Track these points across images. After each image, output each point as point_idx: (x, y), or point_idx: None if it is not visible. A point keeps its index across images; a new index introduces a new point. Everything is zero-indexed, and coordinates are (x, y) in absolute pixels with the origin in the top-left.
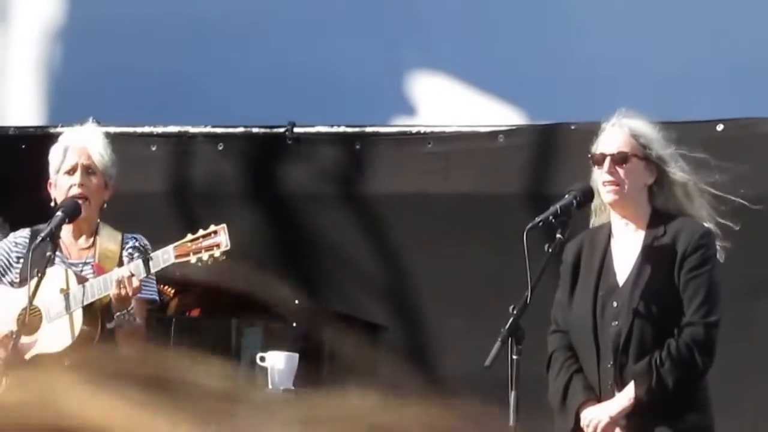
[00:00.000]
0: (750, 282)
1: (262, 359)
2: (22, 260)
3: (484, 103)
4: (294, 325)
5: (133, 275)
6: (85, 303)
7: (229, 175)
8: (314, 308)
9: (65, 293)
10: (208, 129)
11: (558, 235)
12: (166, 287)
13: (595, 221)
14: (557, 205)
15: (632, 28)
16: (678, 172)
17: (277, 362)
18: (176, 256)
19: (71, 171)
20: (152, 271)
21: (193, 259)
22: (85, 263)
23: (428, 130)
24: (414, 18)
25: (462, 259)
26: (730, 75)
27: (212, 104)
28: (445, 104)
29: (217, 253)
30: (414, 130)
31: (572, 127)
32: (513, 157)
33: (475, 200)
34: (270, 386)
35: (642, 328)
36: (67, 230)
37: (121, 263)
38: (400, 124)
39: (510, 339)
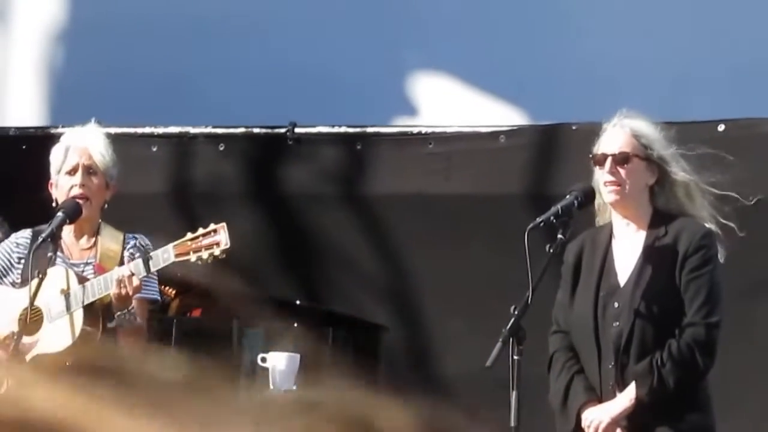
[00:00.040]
0: (751, 282)
1: (264, 360)
2: (23, 261)
3: (486, 104)
4: (295, 325)
5: (133, 274)
6: (86, 302)
7: (230, 176)
8: (315, 309)
9: (66, 293)
10: (209, 129)
11: (559, 236)
12: (168, 288)
13: (599, 220)
14: (558, 206)
15: (633, 28)
16: (679, 172)
17: (279, 363)
18: (176, 255)
19: (72, 171)
20: (152, 269)
21: (193, 257)
22: (87, 263)
23: (429, 130)
24: (415, 18)
25: (463, 260)
26: (730, 75)
27: (213, 105)
28: (447, 104)
29: (217, 251)
30: (415, 130)
31: (573, 128)
32: (514, 157)
33: (476, 200)
34: (271, 387)
35: (643, 328)
36: (68, 231)
37: (122, 263)
38: (401, 125)
39: (511, 339)
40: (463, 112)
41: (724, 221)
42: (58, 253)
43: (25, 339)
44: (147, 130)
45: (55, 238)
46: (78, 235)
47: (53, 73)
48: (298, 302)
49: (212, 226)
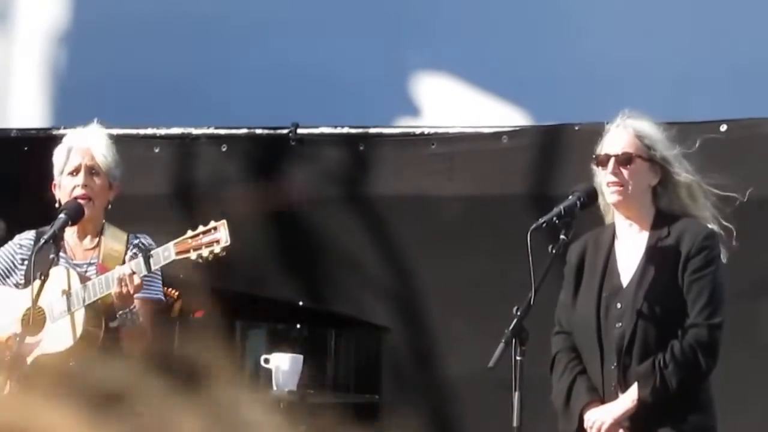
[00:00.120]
0: (753, 282)
1: (267, 361)
2: (26, 262)
3: (488, 104)
4: (298, 326)
5: (134, 273)
6: (87, 302)
7: (232, 177)
8: (318, 310)
9: (68, 293)
10: (212, 130)
11: (562, 236)
12: (170, 289)
13: (608, 219)
14: (561, 206)
15: (635, 29)
16: (682, 173)
17: (282, 364)
18: (177, 253)
19: (74, 172)
20: (153, 268)
21: (193, 255)
22: (90, 264)
23: (432, 131)
24: (417, 19)
25: (465, 261)
26: (732, 75)
27: (215, 105)
28: (449, 105)
29: (217, 249)
30: (418, 131)
31: (576, 128)
32: (517, 157)
33: (478, 201)
34: (275, 388)
35: (645, 329)
36: (71, 231)
37: (124, 263)
38: (403, 125)
39: (514, 340)
40: (466, 112)
41: (725, 222)
42: (61, 254)
43: (28, 339)
44: (149, 131)
45: (57, 239)
46: (81, 236)
47: (56, 75)
48: (300, 303)
49: (212, 224)
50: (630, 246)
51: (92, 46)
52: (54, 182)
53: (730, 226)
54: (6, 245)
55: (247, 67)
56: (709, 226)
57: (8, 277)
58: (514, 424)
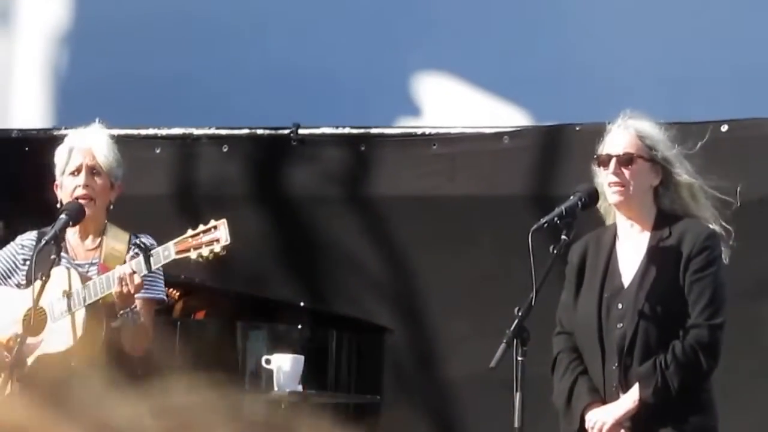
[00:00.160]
0: (754, 282)
1: (268, 362)
2: (28, 262)
3: (489, 105)
4: (299, 327)
5: (134, 272)
6: (88, 302)
7: (233, 177)
8: (319, 310)
9: (68, 293)
10: (213, 131)
11: (563, 237)
12: (172, 290)
13: (608, 222)
14: (562, 207)
15: (636, 29)
16: (683, 173)
17: (283, 364)
18: (177, 252)
19: (76, 172)
20: (153, 267)
21: (193, 254)
22: (92, 264)
23: (433, 131)
24: (418, 19)
25: (467, 261)
26: (733, 76)
27: (216, 106)
28: (450, 106)
29: (217, 248)
30: (419, 131)
31: (577, 128)
32: (518, 158)
33: (480, 201)
34: (276, 388)
35: (647, 329)
36: (73, 231)
37: (126, 263)
38: (405, 126)
39: (515, 341)
40: (467, 113)
41: (725, 224)
42: (63, 254)
43: (30, 340)
44: (150, 131)
45: (58, 240)
46: (83, 236)
47: (57, 75)
48: (302, 304)
49: (212, 223)
50: (631, 246)
51: (93, 46)
52: (56, 182)
53: (729, 228)
54: (8, 246)
55: (248, 68)
56: (711, 226)
57: (10, 278)
58: (516, 424)
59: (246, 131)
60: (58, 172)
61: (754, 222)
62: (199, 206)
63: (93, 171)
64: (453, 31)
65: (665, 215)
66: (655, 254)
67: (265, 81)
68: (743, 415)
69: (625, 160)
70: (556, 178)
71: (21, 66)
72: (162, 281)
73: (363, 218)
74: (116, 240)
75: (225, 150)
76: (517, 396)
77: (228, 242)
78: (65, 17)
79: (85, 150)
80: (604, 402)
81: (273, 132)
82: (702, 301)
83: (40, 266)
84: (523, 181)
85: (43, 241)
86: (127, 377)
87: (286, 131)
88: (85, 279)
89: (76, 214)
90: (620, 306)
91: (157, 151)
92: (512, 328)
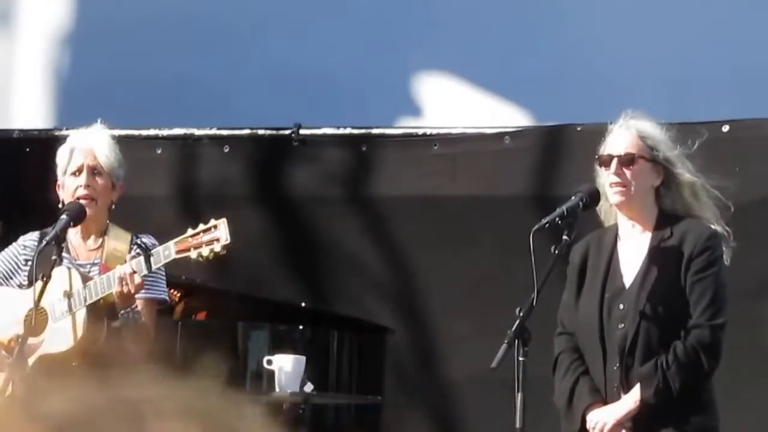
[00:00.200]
0: (755, 283)
1: (269, 362)
2: (30, 263)
3: (491, 105)
4: (300, 327)
5: (135, 272)
6: (89, 302)
7: (235, 177)
8: (321, 311)
9: (69, 293)
10: (214, 131)
11: (564, 237)
12: (173, 291)
13: (607, 224)
14: (564, 207)
15: (638, 29)
16: (685, 173)
17: (285, 365)
18: (177, 252)
19: (77, 172)
20: (154, 267)
21: (193, 254)
22: (93, 264)
23: (434, 131)
24: (419, 19)
25: (468, 261)
26: (735, 76)
27: (217, 106)
28: (451, 106)
29: (217, 247)
30: (420, 131)
31: (578, 129)
32: (519, 158)
33: (481, 202)
34: (277, 389)
35: (648, 330)
36: (75, 232)
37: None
38: (406, 126)
39: (516, 341)
40: (468, 113)
41: (725, 225)
42: (65, 255)
43: (31, 340)
44: (151, 132)
45: (59, 240)
46: (85, 236)
47: (58, 76)
48: (303, 304)
49: (212, 222)
50: (633, 247)
51: (95, 47)
52: (58, 183)
53: (728, 229)
54: (10, 246)
55: (250, 68)
56: (712, 226)
57: (12, 278)
58: (517, 425)
59: (247, 131)
60: (59, 172)
61: (755, 222)
62: (201, 207)
63: (94, 171)
64: (454, 31)
65: (667, 215)
66: (656, 255)
67: (266, 81)
68: (744, 416)
69: (627, 161)
70: (557, 178)
71: (22, 66)
72: (164, 282)
73: (364, 218)
74: (118, 240)
75: (226, 150)
76: (519, 396)
77: (228, 241)
78: (66, 18)
79: (86, 150)
80: (605, 402)
81: (274, 132)
82: (703, 302)
83: (42, 267)
84: (524, 181)
85: (44, 242)
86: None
87: (288, 131)
88: (86, 279)
89: (77, 215)
90: (621, 306)
91: (158, 151)
92: (514, 329)
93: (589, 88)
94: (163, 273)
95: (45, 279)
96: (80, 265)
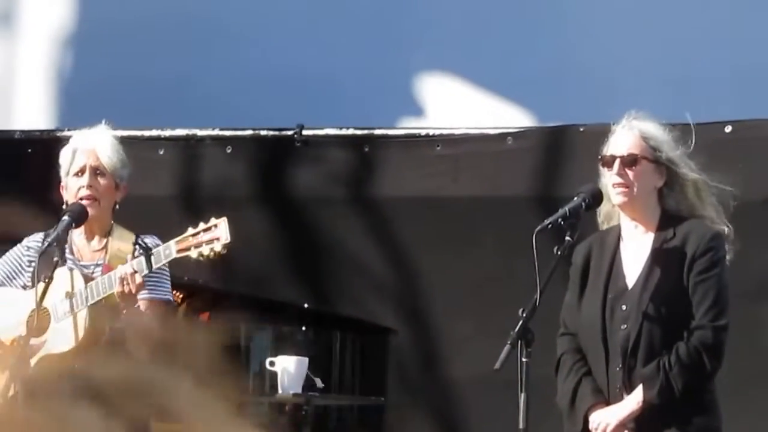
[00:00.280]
0: (755, 284)
1: (272, 363)
2: (33, 264)
3: (493, 106)
4: (303, 328)
5: (135, 272)
6: (90, 302)
7: (237, 178)
8: (323, 312)
9: (71, 293)
10: (216, 132)
11: (567, 238)
12: (176, 292)
13: (606, 226)
14: (566, 208)
15: (640, 30)
16: (689, 173)
17: (287, 366)
18: (178, 251)
19: (80, 173)
20: (154, 266)
21: (194, 253)
22: (97, 265)
23: (437, 132)
24: (422, 21)
25: (471, 262)
26: (736, 76)
27: (220, 107)
28: (454, 107)
29: (217, 246)
30: (423, 132)
31: (581, 129)
32: (522, 159)
33: (483, 202)
34: (280, 390)
35: (651, 331)
36: (80, 232)
37: None
38: (408, 127)
39: (519, 342)
40: (471, 114)
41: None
42: (69, 255)
43: (34, 341)
44: (154, 133)
45: (60, 241)
46: (89, 237)
47: (60, 77)
48: (306, 305)
49: (213, 221)
50: (635, 247)
51: (97, 48)
52: (61, 184)
53: (730, 226)
54: (14, 248)
55: (252, 69)
56: (716, 227)
57: (15, 279)
58: (520, 425)
59: (250, 132)
60: (63, 173)
61: (756, 223)
62: (203, 207)
63: (97, 172)
64: (456, 31)
65: (669, 216)
66: (659, 255)
67: (268, 82)
68: (744, 416)
69: (629, 161)
70: (559, 179)
71: (24, 67)
72: (168, 282)
73: (367, 219)
74: (122, 241)
75: (229, 151)
76: (522, 397)
77: (228, 240)
78: (68, 19)
79: (88, 151)
80: (608, 403)
81: (277, 133)
82: (706, 303)
83: (44, 268)
84: (527, 182)
85: (45, 243)
86: (131, 377)
87: (290, 132)
88: (88, 280)
89: (79, 216)
90: (624, 307)
91: (161, 152)
92: (517, 330)
93: (592, 89)
94: (168, 274)
95: (47, 280)
96: (84, 266)
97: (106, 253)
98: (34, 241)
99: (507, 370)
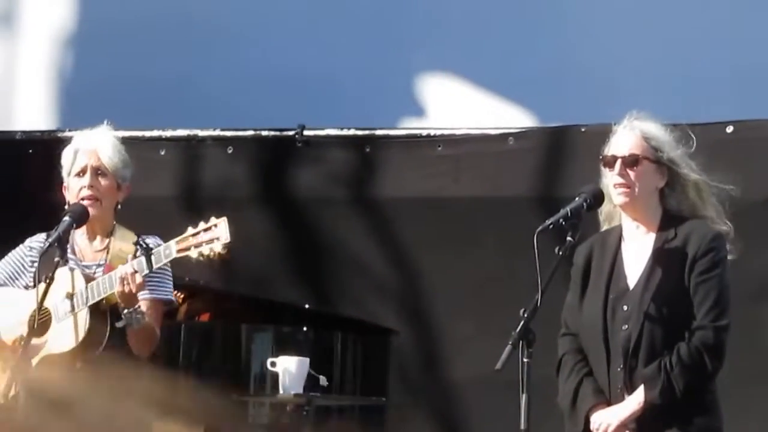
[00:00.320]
0: (756, 284)
1: (273, 364)
2: (36, 264)
3: (494, 106)
4: (304, 329)
5: (136, 272)
6: (91, 302)
7: (238, 179)
8: (324, 312)
9: (72, 293)
10: (218, 132)
11: (568, 238)
12: (176, 292)
13: (606, 227)
14: (567, 208)
15: (642, 30)
16: (690, 173)
17: (288, 367)
18: (178, 251)
19: (81, 173)
20: (155, 266)
21: (194, 253)
22: (99, 265)
23: (438, 132)
24: (423, 21)
25: (472, 262)
26: (737, 77)
27: (221, 107)
28: (455, 107)
29: (217, 246)
30: (424, 132)
31: (582, 129)
32: (523, 159)
33: (485, 203)
34: (281, 391)
35: (652, 331)
36: (82, 233)
37: None
38: (409, 127)
39: (521, 342)
40: (472, 114)
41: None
42: (71, 256)
43: (35, 341)
44: (155, 133)
45: (62, 242)
46: (91, 237)
47: (61, 77)
48: (306, 306)
49: (213, 221)
50: (637, 248)
51: (98, 48)
52: (63, 184)
53: (731, 226)
54: (17, 248)
55: (253, 69)
56: (717, 227)
57: (18, 279)
58: (522, 426)
59: (251, 133)
60: (64, 174)
61: (757, 223)
62: (204, 208)
63: (98, 172)
64: (457, 32)
65: (671, 216)
66: (660, 256)
67: (269, 83)
68: (744, 416)
69: (630, 162)
70: (561, 179)
71: (25, 68)
72: (170, 282)
73: (368, 220)
74: (123, 241)
75: (230, 151)
76: (523, 397)
77: (228, 240)
78: (69, 19)
79: (90, 151)
80: (609, 403)
81: (278, 133)
82: (707, 303)
83: (45, 268)
84: (528, 182)
85: (47, 244)
86: (132, 378)
87: (291, 133)
88: (90, 280)
89: (80, 216)
90: (625, 308)
91: (162, 152)
92: (518, 330)
93: (594, 89)
94: (170, 274)
95: (48, 280)
96: (86, 267)
97: (107, 253)
98: (37, 241)
99: (508, 371)
